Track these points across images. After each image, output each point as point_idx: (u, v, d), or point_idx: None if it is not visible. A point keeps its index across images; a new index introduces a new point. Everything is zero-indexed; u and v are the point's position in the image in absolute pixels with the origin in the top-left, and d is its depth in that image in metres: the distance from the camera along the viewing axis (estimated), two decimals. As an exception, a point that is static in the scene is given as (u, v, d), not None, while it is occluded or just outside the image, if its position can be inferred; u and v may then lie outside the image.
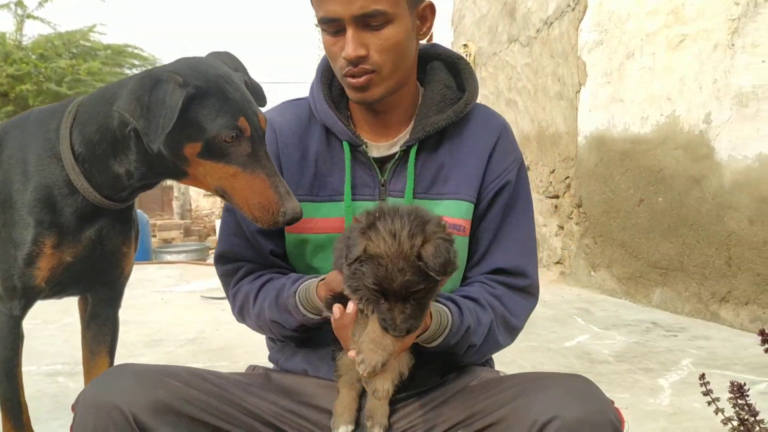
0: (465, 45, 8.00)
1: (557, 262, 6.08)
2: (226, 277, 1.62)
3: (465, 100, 1.54)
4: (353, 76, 1.42)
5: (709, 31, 4.13)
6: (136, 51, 19.15)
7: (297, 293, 1.42)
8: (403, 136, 1.54)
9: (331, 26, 1.41)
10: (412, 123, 1.54)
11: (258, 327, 1.58)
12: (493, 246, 1.54)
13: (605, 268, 5.25)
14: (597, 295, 5.25)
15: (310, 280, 1.43)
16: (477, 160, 1.53)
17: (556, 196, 6.01)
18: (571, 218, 5.77)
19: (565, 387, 1.23)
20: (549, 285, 5.60)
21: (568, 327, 4.14)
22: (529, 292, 1.56)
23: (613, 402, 1.21)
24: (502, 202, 1.54)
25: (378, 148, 1.55)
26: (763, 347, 1.12)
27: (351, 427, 1.38)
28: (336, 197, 1.52)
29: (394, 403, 1.46)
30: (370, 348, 1.15)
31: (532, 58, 6.35)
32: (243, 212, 1.48)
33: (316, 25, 1.48)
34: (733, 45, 3.97)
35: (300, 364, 1.56)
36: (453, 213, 1.49)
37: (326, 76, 1.58)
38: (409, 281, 1.12)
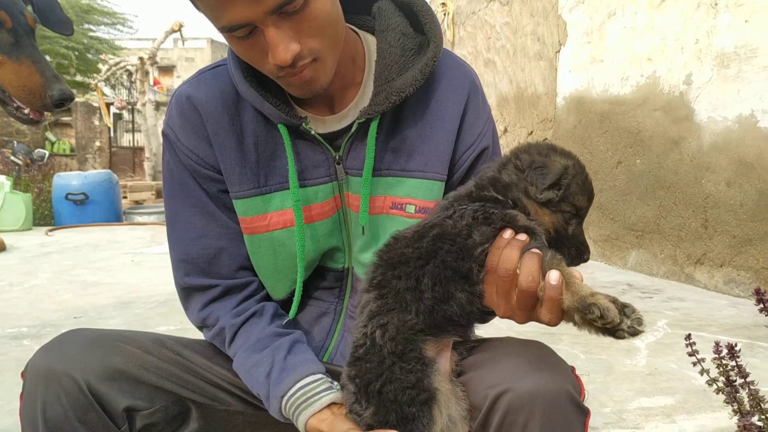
0: (443, 3, 7.84)
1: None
2: (191, 291, 1.37)
3: (432, 55, 1.27)
4: (292, 76, 1.16)
5: (692, -11, 4.05)
6: (105, 9, 18.61)
7: (284, 406, 1.21)
8: (355, 105, 1.30)
9: (242, 31, 1.11)
10: (371, 88, 1.28)
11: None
12: None
13: (581, 231, 5.24)
14: (573, 257, 5.25)
15: (303, 405, 1.19)
16: (446, 129, 1.30)
17: (534, 158, 5.96)
18: (548, 180, 5.74)
19: (518, 357, 1.14)
20: (525, 247, 5.58)
21: (544, 289, 4.13)
22: None
23: (573, 369, 1.14)
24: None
25: (324, 122, 1.30)
26: (758, 307, 1.07)
27: None
28: (288, 184, 1.29)
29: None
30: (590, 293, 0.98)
31: (512, 17, 6.24)
32: (13, 97, 1.70)
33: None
34: (716, 4, 3.90)
35: None
36: (422, 195, 1.29)
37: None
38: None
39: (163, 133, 1.35)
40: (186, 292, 1.39)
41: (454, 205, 1.14)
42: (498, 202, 1.12)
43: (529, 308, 1.04)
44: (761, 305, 1.06)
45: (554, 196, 1.11)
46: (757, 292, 1.07)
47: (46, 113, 1.79)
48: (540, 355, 1.16)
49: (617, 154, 4.78)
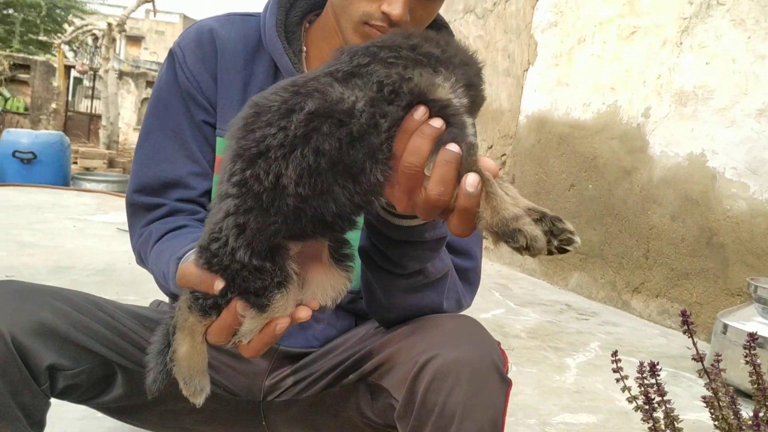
0: (420, 9, 7.88)
1: (483, 237, 6.14)
2: (138, 209, 1.38)
3: None
4: (379, 31, 1.24)
5: (661, 26, 4.17)
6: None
7: (181, 260, 1.18)
8: None
9: None
10: None
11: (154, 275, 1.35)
12: None
13: (529, 248, 5.34)
14: (517, 273, 5.34)
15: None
16: None
17: (491, 172, 6.05)
18: (503, 195, 5.83)
19: (448, 327, 1.19)
20: (472, 258, 5.66)
21: (486, 300, 4.19)
22: (471, 280, 1.41)
23: (499, 343, 1.18)
24: None
25: None
26: (683, 328, 1.12)
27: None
28: None
29: (298, 357, 1.41)
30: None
31: (486, 31, 6.31)
32: None
33: None
34: (681, 43, 4.02)
35: None
36: None
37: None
38: None
39: (171, 51, 1.37)
40: (133, 209, 1.40)
41: (353, 59, 0.90)
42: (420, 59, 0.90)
43: (434, 214, 0.90)
44: (686, 326, 1.10)
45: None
46: (683, 314, 1.11)
47: None
48: (468, 326, 1.20)
49: (571, 177, 4.88)
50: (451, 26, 1.49)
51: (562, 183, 4.97)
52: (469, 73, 0.93)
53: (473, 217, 0.85)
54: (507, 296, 4.38)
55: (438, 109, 0.87)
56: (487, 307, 3.98)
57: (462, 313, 1.28)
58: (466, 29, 6.70)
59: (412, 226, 1.07)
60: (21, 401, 1.15)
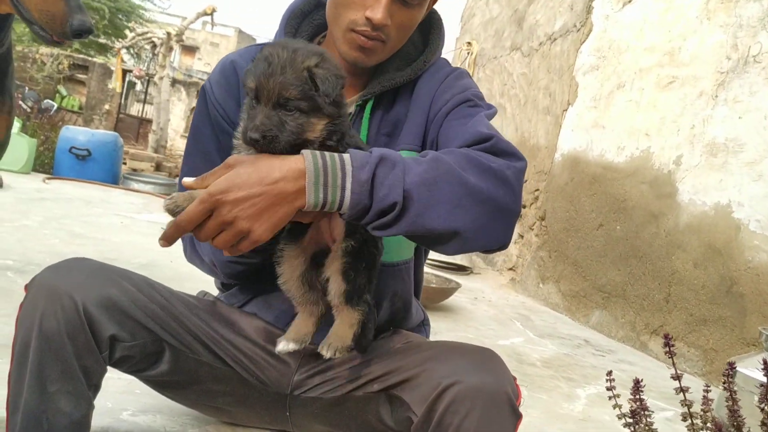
0: (468, 43, 8.10)
1: (510, 269, 6.25)
2: None
3: (423, 59, 1.58)
4: (363, 36, 1.45)
5: (698, 78, 4.30)
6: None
7: None
8: (360, 97, 1.57)
9: None
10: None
11: (209, 263, 1.57)
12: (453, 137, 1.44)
13: (553, 282, 5.44)
14: (540, 305, 5.44)
15: None
16: (421, 108, 1.55)
17: (523, 206, 6.17)
18: (533, 229, 5.95)
19: (472, 357, 1.35)
20: (498, 288, 5.78)
21: (506, 328, 4.31)
22: (502, 150, 1.34)
23: (515, 378, 1.33)
24: (460, 113, 1.48)
25: None
26: (665, 350, 1.25)
27: (293, 345, 1.38)
28: None
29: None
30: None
31: (530, 69, 6.49)
32: (35, 19, 1.71)
33: None
34: (716, 96, 4.14)
35: (251, 308, 1.66)
36: None
37: (291, 25, 1.61)
38: (286, 81, 1.17)
39: (202, 87, 1.61)
40: None
41: None
42: None
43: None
44: (667, 348, 1.24)
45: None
46: (666, 336, 1.25)
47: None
48: (491, 358, 1.36)
49: (600, 216, 5.00)
50: (497, 61, 1.66)
51: (592, 222, 5.09)
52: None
53: None
54: (527, 327, 4.50)
55: None
56: (506, 335, 4.10)
57: (484, 346, 1.43)
58: (511, 66, 6.89)
59: (356, 218, 1.21)
60: (84, 364, 1.34)
